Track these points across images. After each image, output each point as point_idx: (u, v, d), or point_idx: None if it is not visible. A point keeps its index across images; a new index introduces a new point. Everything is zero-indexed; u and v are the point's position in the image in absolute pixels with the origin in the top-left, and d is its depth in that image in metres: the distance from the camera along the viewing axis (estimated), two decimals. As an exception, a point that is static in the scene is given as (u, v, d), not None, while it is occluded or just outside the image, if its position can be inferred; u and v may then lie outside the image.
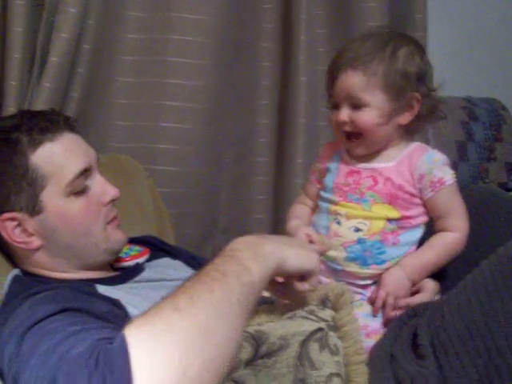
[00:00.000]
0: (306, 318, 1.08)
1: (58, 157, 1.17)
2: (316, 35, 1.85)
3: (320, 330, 1.07)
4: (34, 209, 1.16)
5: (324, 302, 1.15)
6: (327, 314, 1.11)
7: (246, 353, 1.01)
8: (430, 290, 1.28)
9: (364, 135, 1.25)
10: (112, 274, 1.30)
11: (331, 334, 1.08)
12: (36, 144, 1.16)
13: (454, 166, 2.12)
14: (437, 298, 1.28)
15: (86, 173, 1.20)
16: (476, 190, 1.52)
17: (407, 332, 1.17)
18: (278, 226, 1.63)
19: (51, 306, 0.99)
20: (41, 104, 1.47)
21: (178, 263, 1.40)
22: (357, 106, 1.24)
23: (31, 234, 1.18)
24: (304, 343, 1.04)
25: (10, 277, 1.20)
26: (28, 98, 1.51)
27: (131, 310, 1.10)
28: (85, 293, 1.12)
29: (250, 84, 1.83)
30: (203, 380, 0.78)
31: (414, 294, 1.28)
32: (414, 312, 1.22)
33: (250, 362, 1.01)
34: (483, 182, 2.16)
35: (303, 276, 1.06)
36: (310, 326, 1.06)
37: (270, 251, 0.96)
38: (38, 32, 1.51)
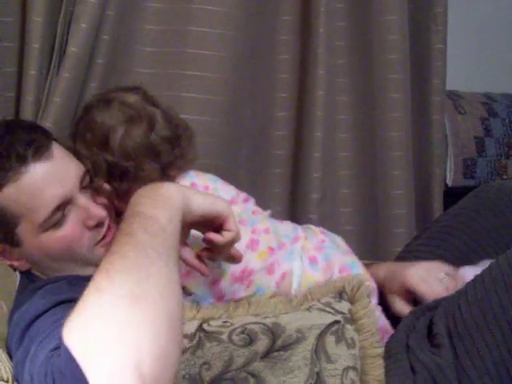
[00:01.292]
0: (323, 310, 1.08)
1: (24, 198, 1.12)
2: (335, 28, 1.83)
3: (336, 322, 1.06)
4: (13, 242, 1.15)
5: (340, 294, 1.14)
6: (344, 306, 1.11)
7: (263, 345, 1.02)
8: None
9: None
10: None
11: (348, 326, 1.08)
12: (1, 184, 1.11)
13: (473, 161, 2.11)
14: None
15: (60, 208, 1.14)
16: (494, 186, 1.52)
17: (423, 323, 1.17)
18: (294, 220, 1.61)
19: (43, 302, 1.01)
20: (59, 94, 1.47)
21: None
22: None
23: (18, 259, 1.18)
24: (320, 336, 1.04)
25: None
26: (46, 88, 1.50)
27: None
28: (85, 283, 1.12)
29: (268, 77, 1.82)
30: (161, 342, 0.74)
31: None
32: (434, 302, 1.21)
33: (265, 355, 1.01)
34: (501, 179, 2.14)
35: (217, 226, 1.03)
36: (326, 318, 1.06)
37: (171, 193, 0.94)
38: (58, 22, 1.51)
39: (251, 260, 1.24)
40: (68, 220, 1.16)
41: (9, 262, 1.20)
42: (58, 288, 1.07)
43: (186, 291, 1.17)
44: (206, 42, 1.66)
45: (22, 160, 1.11)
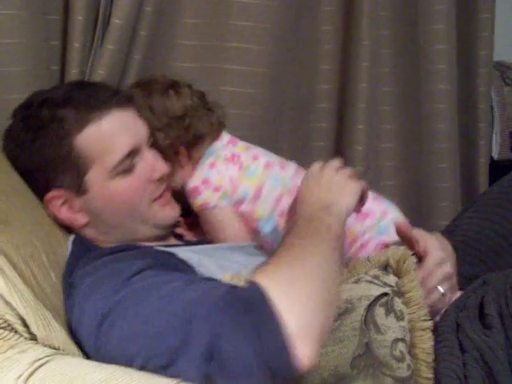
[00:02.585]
0: (372, 282, 1.07)
1: (103, 139, 1.16)
2: (379, -1, 1.81)
3: (385, 294, 1.06)
4: (80, 189, 1.17)
5: (386, 268, 1.13)
6: (391, 279, 1.10)
7: (312, 315, 1.01)
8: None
9: None
10: (174, 242, 1.31)
11: (396, 299, 1.07)
12: (82, 124, 1.15)
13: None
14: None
15: (132, 154, 1.18)
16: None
17: (474, 301, 1.15)
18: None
19: (142, 262, 1.01)
20: (103, 66, 1.47)
21: None
22: None
23: (77, 212, 1.19)
24: (370, 307, 1.03)
25: (71, 240, 1.21)
26: (90, 60, 1.51)
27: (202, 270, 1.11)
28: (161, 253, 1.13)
29: (311, 48, 1.80)
30: (330, 312, 0.92)
31: None
32: (483, 281, 1.20)
33: (314, 325, 1.01)
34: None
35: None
36: (375, 290, 1.05)
37: (342, 210, 1.14)
38: (101, -6, 1.51)
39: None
40: (135, 170, 1.19)
41: (66, 216, 1.20)
42: (144, 253, 1.12)
43: None
44: (250, 13, 1.65)
45: (106, 104, 1.17)
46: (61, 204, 1.19)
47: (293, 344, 0.81)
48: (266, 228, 1.34)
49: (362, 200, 1.22)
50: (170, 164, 1.31)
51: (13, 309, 0.92)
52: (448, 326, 1.13)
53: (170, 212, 1.27)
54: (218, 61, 1.66)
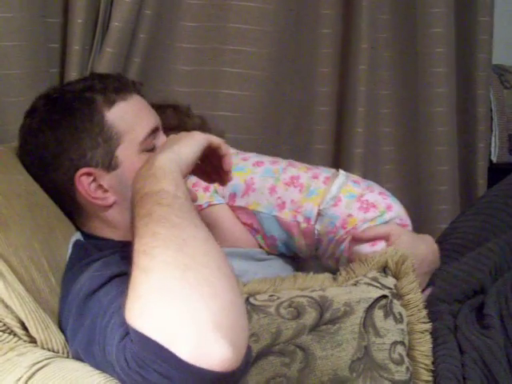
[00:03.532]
0: (370, 284, 1.07)
1: (131, 115, 1.20)
2: (378, 1, 1.81)
3: (384, 297, 1.06)
4: (111, 164, 1.18)
5: (385, 270, 1.13)
6: (390, 281, 1.10)
7: (311, 318, 1.01)
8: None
9: None
10: None
11: (395, 301, 1.07)
12: (111, 102, 1.19)
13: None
14: None
15: (155, 131, 1.22)
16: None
17: (472, 306, 1.15)
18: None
19: (97, 275, 1.00)
20: (102, 69, 1.47)
21: None
22: None
23: (106, 191, 1.20)
24: (369, 310, 1.03)
25: (72, 242, 1.21)
26: (90, 63, 1.51)
27: None
28: None
29: (310, 51, 1.81)
30: (223, 294, 0.78)
31: None
32: (480, 287, 1.20)
33: (313, 328, 1.01)
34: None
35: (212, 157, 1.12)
36: (374, 292, 1.05)
37: (163, 161, 0.99)
38: (101, -3, 1.51)
39: (295, 170, 1.37)
40: (157, 150, 1.21)
41: (96, 195, 1.19)
42: (110, 261, 1.08)
43: None
44: (248, 16, 1.65)
45: (129, 88, 1.23)
46: (90, 182, 1.19)
47: (199, 358, 0.73)
48: (265, 223, 1.34)
49: (218, 159, 1.14)
50: None
51: (12, 312, 0.92)
52: (446, 329, 1.13)
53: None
54: (217, 64, 1.66)
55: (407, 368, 1.03)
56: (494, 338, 1.06)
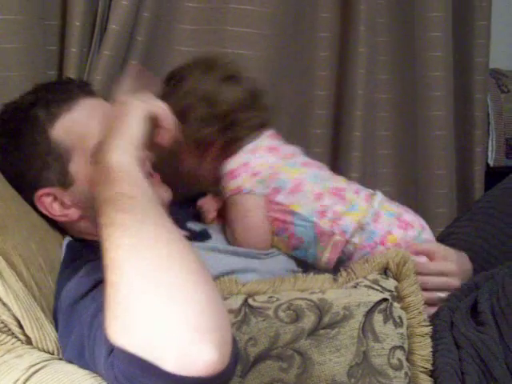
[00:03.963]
0: (370, 287, 1.07)
1: (77, 126, 1.18)
2: (376, 5, 1.81)
3: (384, 300, 1.05)
4: (66, 181, 1.17)
5: (385, 272, 1.13)
6: (391, 283, 1.09)
7: (309, 322, 1.01)
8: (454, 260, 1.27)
9: None
10: None
11: (395, 304, 1.06)
12: (53, 118, 1.17)
13: (515, 142, 2.08)
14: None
15: None
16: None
17: (467, 303, 1.16)
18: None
19: (85, 280, 1.01)
20: (100, 72, 1.47)
21: None
22: None
23: (69, 206, 1.19)
24: (368, 314, 1.03)
25: (65, 243, 1.21)
26: (88, 65, 1.51)
27: None
28: None
29: (309, 54, 1.81)
30: (198, 292, 0.76)
31: None
32: (474, 284, 1.20)
33: (312, 332, 1.01)
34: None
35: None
36: (374, 296, 1.05)
37: (112, 157, 0.95)
38: (99, -1, 1.51)
39: (339, 181, 1.37)
40: None
41: (60, 213, 1.20)
42: (96, 264, 1.08)
43: None
44: (247, 19, 1.65)
45: (73, 95, 1.20)
46: (51, 201, 1.19)
47: (184, 367, 0.72)
48: (301, 225, 1.31)
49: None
50: (197, 153, 1.32)
51: (9, 310, 0.93)
52: (443, 325, 1.13)
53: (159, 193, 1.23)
54: (215, 67, 1.66)
55: (406, 373, 1.03)
56: (488, 333, 1.07)
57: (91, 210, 1.15)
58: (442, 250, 1.28)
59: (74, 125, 1.18)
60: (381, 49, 1.85)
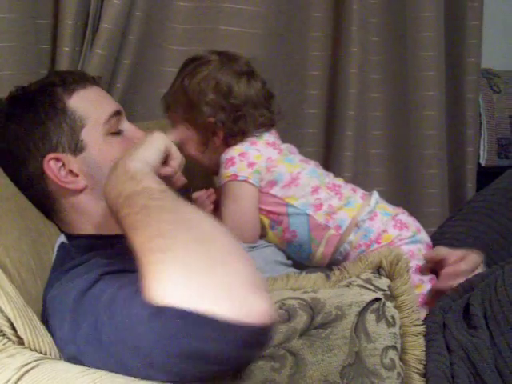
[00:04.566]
0: (363, 286, 1.06)
1: (91, 100, 1.25)
2: (368, 5, 1.81)
3: (377, 300, 1.05)
4: (77, 147, 1.21)
5: (379, 270, 1.13)
6: (383, 282, 1.09)
7: (302, 321, 1.00)
8: (472, 261, 1.28)
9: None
10: None
11: (388, 304, 1.06)
12: (70, 91, 1.24)
13: (507, 141, 2.08)
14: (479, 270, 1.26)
15: (118, 115, 1.27)
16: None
17: (460, 304, 1.16)
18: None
19: (87, 276, 0.99)
20: (92, 70, 1.46)
21: None
22: None
23: (76, 175, 1.22)
24: (361, 314, 1.02)
25: (57, 245, 1.21)
26: (80, 64, 1.51)
27: None
28: (121, 252, 1.11)
29: (301, 54, 1.81)
30: (238, 253, 0.82)
31: None
32: (469, 285, 1.20)
33: (304, 332, 1.00)
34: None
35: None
36: (366, 295, 1.04)
37: (134, 165, 1.02)
38: (91, -1, 1.51)
39: (336, 179, 1.39)
40: (123, 135, 1.26)
41: (66, 179, 1.21)
42: (96, 263, 1.08)
43: None
44: (239, 19, 1.65)
45: (87, 80, 1.28)
46: (60, 167, 1.21)
47: (243, 316, 0.76)
48: (295, 217, 1.33)
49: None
50: (201, 140, 1.35)
51: (1, 311, 0.92)
52: (435, 327, 1.13)
53: None
54: (208, 66, 1.66)
55: (398, 374, 1.02)
56: (480, 337, 1.07)
57: (97, 180, 1.22)
58: (458, 252, 1.30)
59: (89, 98, 1.25)
60: (373, 49, 1.85)
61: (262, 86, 1.39)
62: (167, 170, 1.15)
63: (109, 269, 1.00)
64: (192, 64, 1.38)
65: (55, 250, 1.21)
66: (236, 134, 1.35)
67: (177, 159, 1.17)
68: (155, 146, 1.11)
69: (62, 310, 0.99)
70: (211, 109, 1.33)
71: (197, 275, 0.78)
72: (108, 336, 0.87)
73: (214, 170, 1.39)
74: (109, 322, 0.88)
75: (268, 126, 1.39)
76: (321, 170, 1.40)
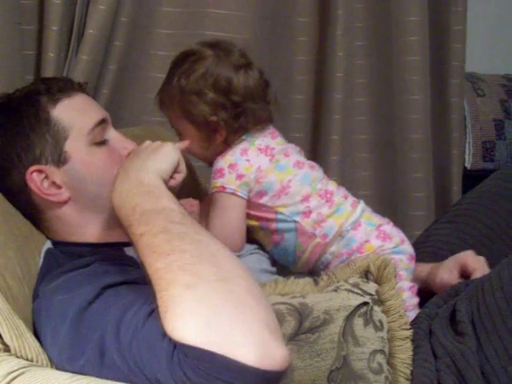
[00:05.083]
0: (351, 291, 1.07)
1: (76, 110, 1.23)
2: (353, 10, 1.82)
3: (365, 304, 1.05)
4: (60, 159, 1.20)
5: (366, 275, 1.13)
6: (371, 287, 1.09)
7: (290, 327, 1.00)
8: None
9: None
10: None
11: (376, 308, 1.06)
12: (55, 100, 1.22)
13: (492, 144, 2.09)
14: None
15: (103, 123, 1.24)
16: (512, 169, 1.51)
17: (446, 310, 1.16)
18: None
19: (89, 288, 0.99)
20: (77, 76, 1.46)
21: None
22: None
23: (59, 187, 1.20)
24: (348, 318, 1.02)
25: (43, 251, 1.21)
26: (65, 70, 1.50)
27: None
28: (116, 262, 1.11)
29: (287, 59, 1.81)
30: (256, 293, 0.84)
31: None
32: (453, 290, 1.21)
33: (292, 337, 1.00)
34: (521, 161, 2.13)
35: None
36: (354, 299, 1.05)
37: (153, 180, 1.03)
38: (76, 4, 1.50)
39: (330, 184, 1.37)
40: (109, 145, 1.25)
41: (49, 191, 1.20)
42: (95, 273, 1.07)
43: None
44: (224, 24, 1.66)
45: (73, 87, 1.27)
46: (42, 179, 1.20)
47: (264, 361, 0.78)
48: (285, 222, 1.32)
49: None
50: (203, 137, 1.32)
51: (-13, 318, 0.92)
52: (420, 333, 1.13)
53: None
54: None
55: (386, 377, 1.02)
56: (467, 344, 1.07)
57: (80, 192, 1.21)
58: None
59: (74, 107, 1.23)
60: (358, 53, 1.86)
61: (259, 76, 1.35)
62: (171, 183, 1.14)
63: (110, 280, 0.99)
64: (187, 61, 1.33)
65: (42, 255, 1.20)
66: (237, 131, 1.33)
67: (182, 173, 1.17)
68: (170, 160, 1.12)
69: (58, 320, 0.98)
70: (212, 108, 1.30)
71: (221, 317, 0.79)
72: (114, 362, 0.87)
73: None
74: (118, 349, 0.87)
75: (266, 122, 1.37)
76: (315, 173, 1.37)
